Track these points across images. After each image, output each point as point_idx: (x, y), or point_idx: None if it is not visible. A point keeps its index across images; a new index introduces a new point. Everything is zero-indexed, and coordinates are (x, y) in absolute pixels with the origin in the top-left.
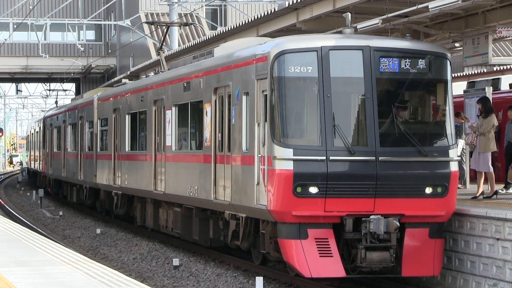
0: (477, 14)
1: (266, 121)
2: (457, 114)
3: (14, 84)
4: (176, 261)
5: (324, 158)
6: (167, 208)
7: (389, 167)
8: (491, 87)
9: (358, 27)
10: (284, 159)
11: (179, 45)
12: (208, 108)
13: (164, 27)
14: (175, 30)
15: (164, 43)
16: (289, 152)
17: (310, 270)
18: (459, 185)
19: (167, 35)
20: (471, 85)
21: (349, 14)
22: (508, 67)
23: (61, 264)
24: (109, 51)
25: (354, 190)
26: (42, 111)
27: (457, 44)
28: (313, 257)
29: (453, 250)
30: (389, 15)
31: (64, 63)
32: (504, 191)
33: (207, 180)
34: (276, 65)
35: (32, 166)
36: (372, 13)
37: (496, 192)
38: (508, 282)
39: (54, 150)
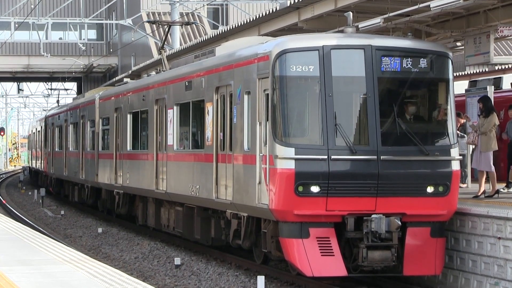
0: (478, 13)
1: (267, 120)
2: (458, 114)
3: (15, 83)
4: (177, 260)
5: (326, 157)
6: (169, 207)
7: (390, 166)
8: (493, 86)
9: (359, 26)
10: (286, 158)
11: (180, 44)
12: (209, 107)
13: (165, 26)
14: (177, 29)
15: (165, 42)
16: (290, 151)
17: (311, 269)
18: (461, 184)
19: (168, 34)
20: (472, 84)
21: (351, 13)
22: (510, 66)
23: (63, 263)
24: (111, 50)
25: (356, 189)
26: (44, 110)
27: (458, 43)
28: (314, 256)
29: (454, 249)
30: (391, 14)
31: (65, 62)
32: (505, 190)
33: (208, 179)
34: (278, 64)
35: (34, 165)
36: (374, 12)
37: (497, 191)
38: (509, 281)
39: (56, 149)
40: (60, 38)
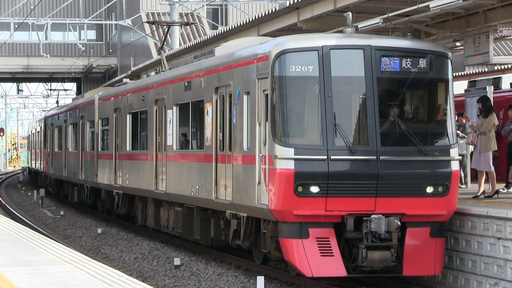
0: (478, 13)
1: (267, 120)
2: (460, 114)
3: (15, 83)
4: (177, 261)
5: (325, 157)
6: (168, 207)
7: (390, 167)
8: (492, 86)
9: (359, 26)
10: (285, 159)
11: (180, 45)
12: (209, 108)
13: (165, 26)
14: (176, 30)
15: (165, 43)
16: (290, 152)
17: (311, 270)
18: (460, 185)
19: (168, 35)
20: (472, 84)
21: (350, 14)
22: (509, 66)
23: (62, 264)
24: (110, 50)
25: (355, 190)
26: (43, 110)
27: (458, 44)
28: (314, 257)
29: (454, 249)
30: (390, 14)
31: (65, 62)
32: (505, 191)
33: (208, 180)
34: (277, 64)
35: (33, 166)
36: (373, 13)
37: (497, 192)
38: (509, 281)
39: (55, 149)
40: (48, 39)
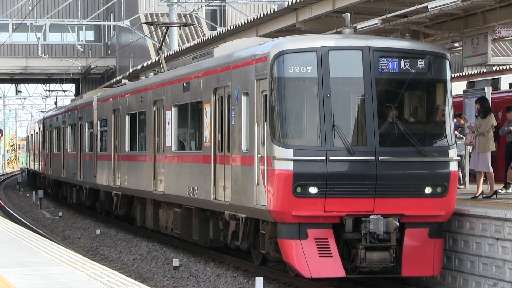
0: (476, 14)
1: (265, 121)
2: (459, 115)
3: (13, 84)
4: (176, 262)
5: (324, 158)
6: (167, 208)
7: (388, 167)
8: (491, 87)
9: (357, 27)
10: (284, 159)
11: (178, 46)
12: (207, 109)
13: (163, 27)
14: (175, 31)
15: (163, 44)
16: (288, 152)
17: (310, 270)
18: (459, 185)
19: (166, 36)
20: (470, 85)
21: (349, 14)
22: (508, 67)
23: (61, 265)
24: (109, 51)
25: (354, 190)
26: (42, 111)
27: (456, 44)
28: (313, 257)
29: (452, 250)
30: (389, 15)
31: (63, 63)
32: (503, 191)
33: (206, 181)
34: (276, 65)
35: (32, 167)
36: (372, 13)
37: (495, 192)
38: (507, 282)
39: (54, 150)
40: (39, 38)
